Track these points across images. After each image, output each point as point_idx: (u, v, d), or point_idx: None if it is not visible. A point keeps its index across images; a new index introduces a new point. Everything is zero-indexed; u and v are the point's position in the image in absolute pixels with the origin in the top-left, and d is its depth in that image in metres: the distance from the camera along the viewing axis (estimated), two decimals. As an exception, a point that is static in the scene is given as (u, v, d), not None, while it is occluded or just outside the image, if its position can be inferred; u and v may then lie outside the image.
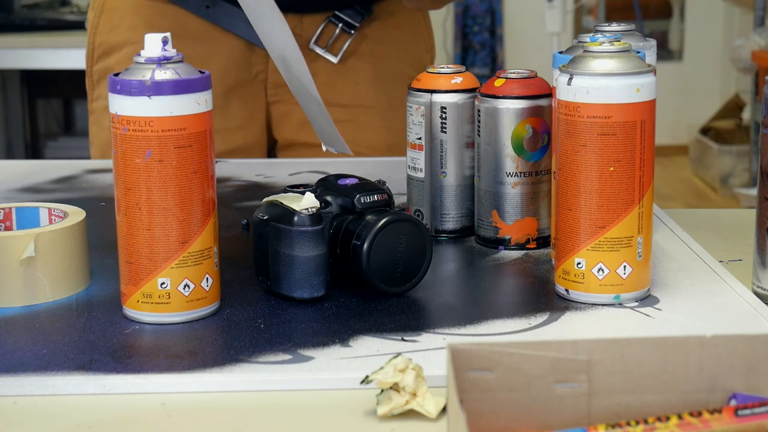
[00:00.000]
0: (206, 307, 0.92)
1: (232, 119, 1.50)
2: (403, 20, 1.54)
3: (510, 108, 1.06)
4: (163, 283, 0.90)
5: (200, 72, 0.90)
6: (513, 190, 1.08)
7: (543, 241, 1.09)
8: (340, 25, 1.48)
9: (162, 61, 0.88)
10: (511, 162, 1.07)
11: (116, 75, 0.89)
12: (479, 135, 1.09)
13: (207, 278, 0.91)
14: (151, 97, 0.87)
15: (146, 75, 0.87)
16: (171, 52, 0.89)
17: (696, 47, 5.48)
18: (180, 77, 0.88)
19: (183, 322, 0.91)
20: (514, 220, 1.08)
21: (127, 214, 0.90)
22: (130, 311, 0.91)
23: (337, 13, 1.48)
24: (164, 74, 0.87)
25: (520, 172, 1.07)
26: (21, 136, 4.11)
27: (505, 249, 1.09)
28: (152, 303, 0.90)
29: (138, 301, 0.91)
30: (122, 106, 0.88)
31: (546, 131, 1.07)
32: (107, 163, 1.45)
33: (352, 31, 1.48)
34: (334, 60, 1.48)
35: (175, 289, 0.90)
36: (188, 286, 0.90)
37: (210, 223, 0.91)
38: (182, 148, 0.88)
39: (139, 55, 0.88)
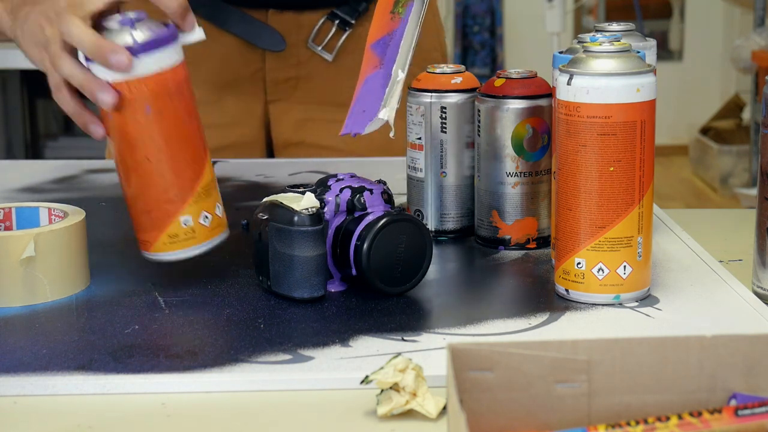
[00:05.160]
0: (224, 232, 0.98)
1: (226, 115, 1.50)
2: None
3: (510, 108, 1.06)
4: (186, 221, 0.95)
5: (165, 25, 0.94)
6: (513, 190, 1.08)
7: (543, 241, 1.09)
8: (337, 22, 1.47)
9: (135, 22, 0.92)
10: (511, 162, 1.07)
11: None
12: (479, 135, 1.09)
13: (218, 206, 0.98)
14: (139, 56, 0.91)
15: (127, 39, 0.91)
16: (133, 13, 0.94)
17: (696, 47, 5.48)
18: (156, 33, 0.92)
19: (209, 251, 0.97)
20: (514, 220, 1.08)
21: (137, 169, 0.94)
22: (158, 255, 0.97)
23: (334, 10, 1.48)
24: (143, 34, 0.92)
25: (520, 172, 1.07)
26: (21, 136, 4.11)
27: (505, 249, 1.09)
28: (180, 241, 0.95)
29: (165, 243, 0.96)
30: (113, 73, 0.92)
31: (546, 131, 1.07)
32: (107, 163, 1.45)
33: (347, 29, 1.48)
34: (328, 58, 1.48)
35: (197, 222, 0.96)
36: (207, 217, 0.96)
37: (208, 157, 0.97)
38: (175, 95, 0.94)
39: (109, 19, 0.93)
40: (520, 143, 1.07)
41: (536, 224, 1.09)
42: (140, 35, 0.91)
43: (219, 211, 0.98)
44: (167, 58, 0.93)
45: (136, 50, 0.91)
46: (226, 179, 1.38)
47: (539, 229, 1.09)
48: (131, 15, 0.92)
